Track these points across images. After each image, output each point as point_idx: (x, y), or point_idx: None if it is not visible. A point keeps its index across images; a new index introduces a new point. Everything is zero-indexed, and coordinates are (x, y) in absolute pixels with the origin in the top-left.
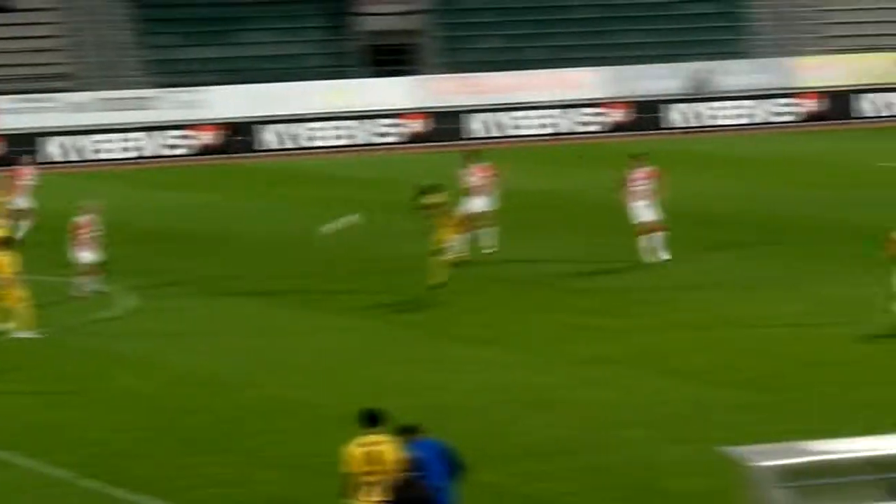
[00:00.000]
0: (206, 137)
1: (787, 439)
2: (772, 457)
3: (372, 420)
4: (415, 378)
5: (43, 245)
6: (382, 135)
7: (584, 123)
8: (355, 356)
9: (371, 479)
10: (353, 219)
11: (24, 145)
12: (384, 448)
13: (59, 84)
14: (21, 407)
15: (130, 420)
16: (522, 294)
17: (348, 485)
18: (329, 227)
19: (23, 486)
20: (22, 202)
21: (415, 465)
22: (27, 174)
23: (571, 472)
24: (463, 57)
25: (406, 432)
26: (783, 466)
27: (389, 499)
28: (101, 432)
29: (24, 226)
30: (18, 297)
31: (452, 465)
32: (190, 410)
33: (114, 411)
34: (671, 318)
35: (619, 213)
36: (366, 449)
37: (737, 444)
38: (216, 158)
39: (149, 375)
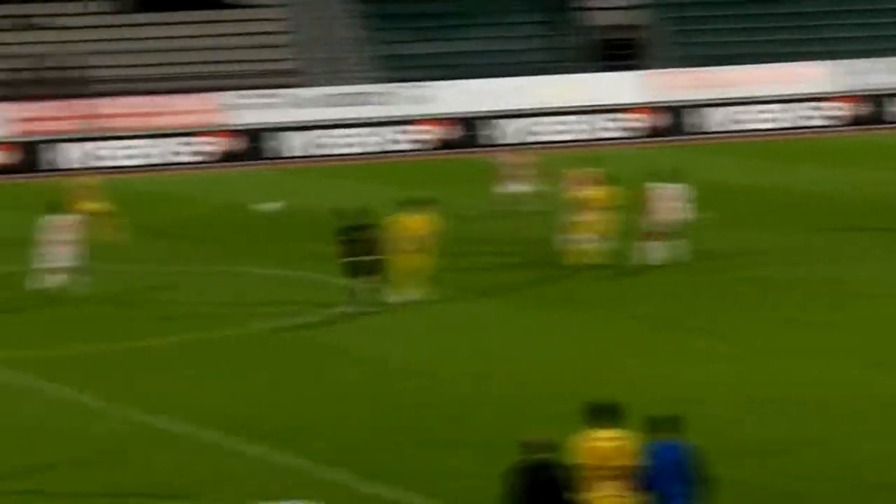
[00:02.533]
0: (432, 133)
1: None
2: None
3: (601, 415)
4: (644, 371)
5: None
6: (606, 130)
7: (808, 118)
8: (583, 350)
9: (600, 473)
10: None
11: (248, 141)
12: (613, 444)
13: (285, 80)
14: (252, 399)
15: (362, 413)
16: (745, 288)
17: (580, 478)
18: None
19: (261, 475)
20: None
21: (651, 467)
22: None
23: (806, 468)
24: (689, 51)
25: (655, 427)
26: None
27: (523, 479)
28: (334, 425)
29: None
30: (419, 263)
31: (692, 471)
32: (419, 404)
33: (345, 404)
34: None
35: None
36: (594, 444)
37: None
38: (441, 154)
39: (377, 369)
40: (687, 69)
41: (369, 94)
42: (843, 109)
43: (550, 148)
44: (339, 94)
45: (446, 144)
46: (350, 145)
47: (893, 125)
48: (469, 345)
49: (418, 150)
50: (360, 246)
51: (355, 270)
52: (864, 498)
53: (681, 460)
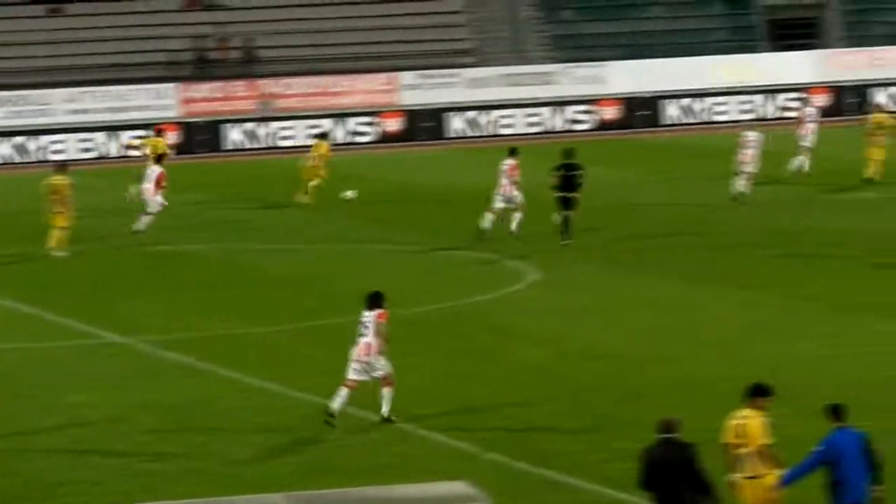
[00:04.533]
0: (608, 113)
1: None
2: None
3: (755, 392)
4: (820, 353)
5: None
6: (786, 109)
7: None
8: (758, 330)
9: (740, 451)
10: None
11: (427, 121)
12: (752, 422)
13: (462, 60)
14: (427, 380)
15: (535, 394)
16: None
17: (726, 456)
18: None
19: (427, 458)
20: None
21: (833, 455)
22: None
23: None
24: (868, 31)
25: (834, 414)
26: None
27: (650, 458)
28: (506, 406)
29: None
30: None
31: (870, 461)
32: (593, 385)
33: (518, 385)
34: None
35: None
36: (736, 422)
37: None
38: (618, 133)
39: (551, 350)
40: (863, 48)
41: (546, 73)
42: None
43: (731, 127)
44: (517, 74)
45: (621, 124)
46: (529, 125)
47: None
48: (647, 324)
49: (590, 129)
50: (571, 181)
51: (565, 203)
52: None
53: (855, 449)
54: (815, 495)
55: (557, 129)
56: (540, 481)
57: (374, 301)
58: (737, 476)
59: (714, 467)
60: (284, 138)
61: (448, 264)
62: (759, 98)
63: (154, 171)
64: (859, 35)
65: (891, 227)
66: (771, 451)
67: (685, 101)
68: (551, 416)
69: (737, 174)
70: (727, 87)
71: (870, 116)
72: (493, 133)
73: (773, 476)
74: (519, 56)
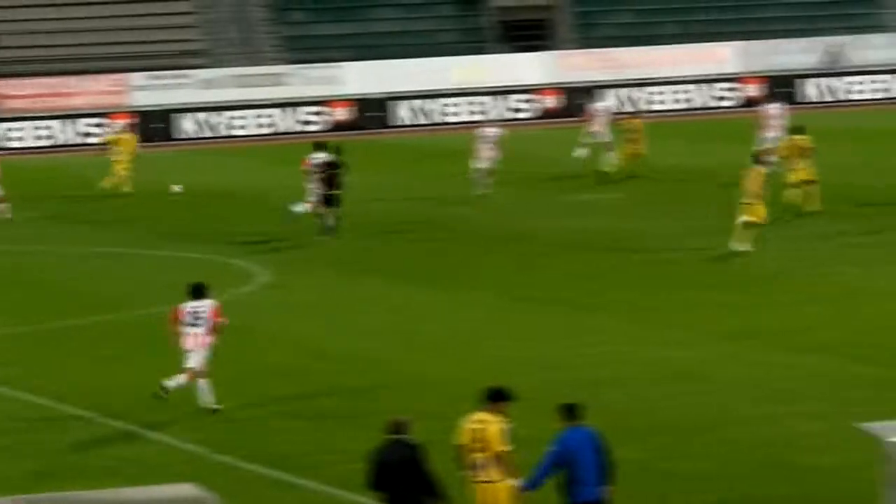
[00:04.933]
0: (341, 114)
1: None
2: None
3: (495, 397)
4: (551, 353)
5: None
6: (517, 110)
7: (719, 98)
8: (487, 332)
9: (477, 456)
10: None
11: (157, 122)
12: (490, 427)
13: (193, 61)
14: (156, 382)
15: (265, 396)
16: (654, 269)
17: (460, 458)
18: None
19: (156, 461)
20: None
21: (567, 454)
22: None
23: (709, 448)
24: (596, 32)
25: (568, 413)
26: None
27: (377, 458)
28: (237, 408)
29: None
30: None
31: (603, 458)
32: (324, 386)
33: (248, 387)
34: (807, 292)
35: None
36: (474, 425)
37: (868, 419)
38: (350, 134)
39: (283, 351)
40: (592, 50)
41: (277, 74)
42: (751, 90)
43: (460, 128)
44: (248, 76)
45: (354, 125)
46: (261, 126)
47: (802, 105)
48: (377, 324)
49: (327, 130)
50: (333, 179)
51: (327, 201)
52: (758, 477)
53: (589, 447)
54: (549, 495)
55: (289, 131)
56: (271, 483)
57: (201, 292)
58: (471, 479)
59: (446, 467)
60: (12, 139)
61: (177, 266)
62: (490, 99)
63: None
64: (589, 37)
65: (618, 225)
66: (508, 458)
67: (417, 102)
68: (282, 417)
69: (474, 173)
70: (459, 89)
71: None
72: (225, 135)
73: (507, 483)
74: (250, 57)
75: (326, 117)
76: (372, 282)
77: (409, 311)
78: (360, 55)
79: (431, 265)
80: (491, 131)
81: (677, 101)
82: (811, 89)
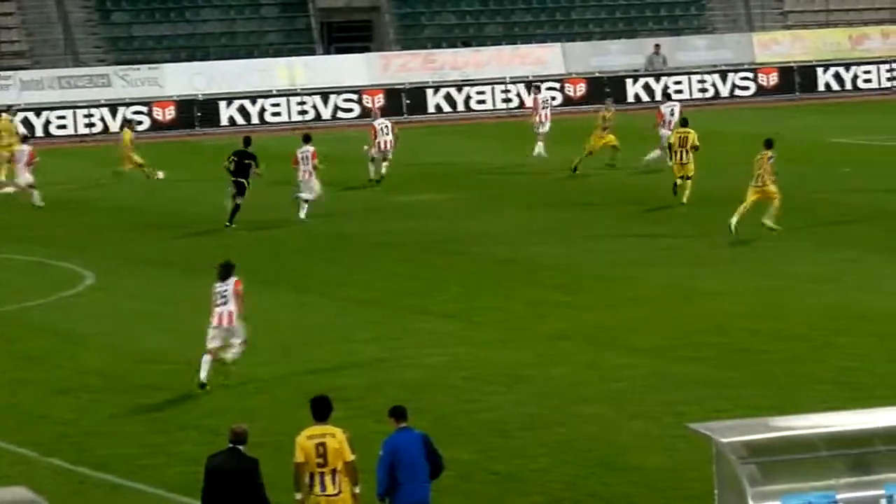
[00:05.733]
0: (164, 114)
1: (750, 415)
2: (735, 433)
3: (320, 409)
4: (380, 355)
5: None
6: (342, 111)
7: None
8: (317, 333)
9: (321, 470)
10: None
11: None
12: (330, 440)
13: (15, 62)
14: None
15: (93, 399)
16: (479, 269)
17: (299, 476)
18: None
19: None
20: None
21: (395, 456)
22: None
23: (537, 448)
24: (420, 34)
25: (396, 415)
26: (746, 442)
27: (210, 468)
28: (65, 411)
29: None
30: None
31: (431, 457)
32: (151, 389)
33: (76, 390)
34: (629, 293)
35: (580, 188)
36: (314, 441)
37: (699, 419)
38: (174, 135)
39: (108, 354)
40: (415, 51)
41: (99, 75)
42: (571, 91)
43: (285, 129)
44: (72, 77)
45: (176, 125)
46: (87, 126)
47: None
48: (202, 327)
49: (151, 130)
50: (244, 168)
51: (239, 189)
52: (588, 477)
53: (417, 449)
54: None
55: (112, 131)
56: (101, 486)
57: (228, 271)
58: (316, 496)
59: (277, 473)
60: None
61: (2, 268)
62: (314, 100)
63: None
64: (412, 38)
65: (446, 226)
66: (354, 467)
67: (241, 102)
68: (110, 420)
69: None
70: (283, 90)
71: (603, 110)
72: (49, 135)
73: (348, 493)
74: (73, 58)
75: (150, 118)
76: (196, 283)
77: None
78: (184, 56)
79: (256, 266)
80: (382, 123)
81: (501, 101)
82: (635, 90)
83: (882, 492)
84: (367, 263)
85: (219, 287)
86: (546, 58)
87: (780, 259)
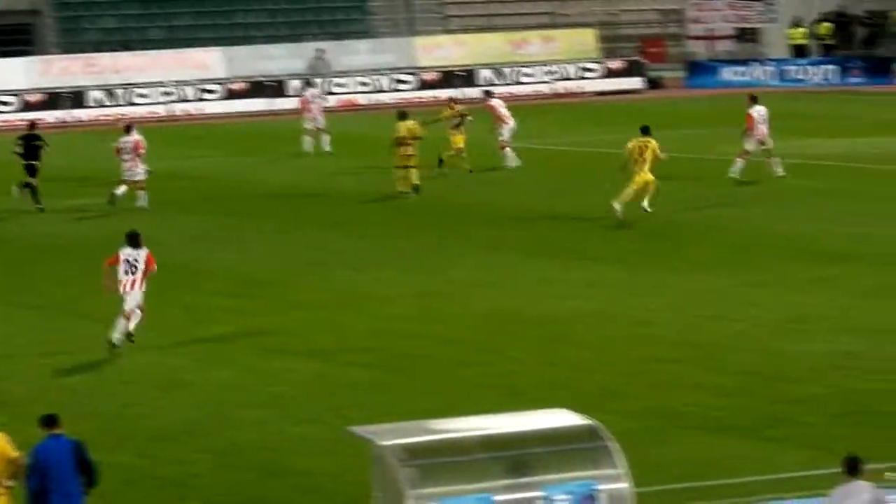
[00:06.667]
0: None
1: (413, 418)
2: (395, 436)
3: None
4: (42, 361)
5: None
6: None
7: (207, 102)
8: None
9: None
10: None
11: None
12: None
13: None
14: None
15: None
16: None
17: None
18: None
19: None
20: None
21: (43, 463)
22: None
23: (200, 454)
24: (81, 37)
25: (47, 423)
26: (406, 445)
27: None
28: None
29: None
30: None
31: (84, 465)
32: None
33: None
34: (293, 298)
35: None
36: None
37: (361, 423)
38: None
39: None
40: (76, 55)
41: None
42: (236, 94)
43: None
44: None
45: None
46: None
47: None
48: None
49: None
50: (34, 150)
51: (30, 171)
52: (251, 482)
53: (66, 457)
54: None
55: None
56: None
57: (137, 240)
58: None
59: None
60: None
61: None
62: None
63: None
64: (73, 41)
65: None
66: (20, 465)
67: None
68: None
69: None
70: None
71: (459, 107)
72: None
73: (7, 492)
74: None
75: None
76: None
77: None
78: None
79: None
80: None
81: (163, 104)
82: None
83: (540, 493)
84: (29, 268)
85: (129, 255)
86: (208, 62)
87: (443, 264)
